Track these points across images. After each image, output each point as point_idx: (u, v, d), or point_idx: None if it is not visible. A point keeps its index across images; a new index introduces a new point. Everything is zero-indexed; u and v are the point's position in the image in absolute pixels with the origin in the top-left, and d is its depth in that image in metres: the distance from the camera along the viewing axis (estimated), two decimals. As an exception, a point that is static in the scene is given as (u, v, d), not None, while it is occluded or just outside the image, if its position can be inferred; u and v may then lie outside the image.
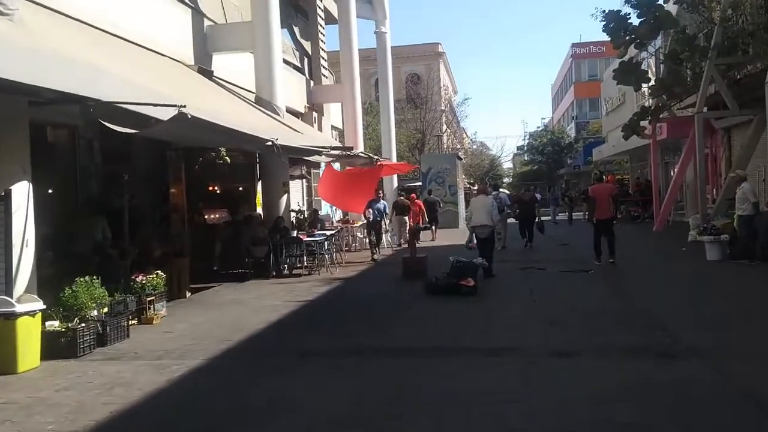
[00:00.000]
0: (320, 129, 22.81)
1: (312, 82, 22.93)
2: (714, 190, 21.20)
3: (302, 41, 23.33)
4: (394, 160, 28.74)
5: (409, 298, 9.93)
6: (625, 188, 30.52)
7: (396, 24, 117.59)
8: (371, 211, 16.09)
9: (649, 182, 29.82)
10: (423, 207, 21.08)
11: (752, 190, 12.01)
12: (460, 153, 41.15)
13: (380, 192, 17.41)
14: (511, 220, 17.72)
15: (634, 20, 18.48)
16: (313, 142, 13.22)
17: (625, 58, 20.14)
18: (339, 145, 13.40)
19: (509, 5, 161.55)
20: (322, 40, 24.02)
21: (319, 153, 12.62)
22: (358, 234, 19.50)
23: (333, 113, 24.29)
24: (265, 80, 14.87)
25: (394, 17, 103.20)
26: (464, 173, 47.09)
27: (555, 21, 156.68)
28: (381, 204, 16.78)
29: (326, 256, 13.76)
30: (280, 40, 15.33)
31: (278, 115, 14.69)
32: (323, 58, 24.00)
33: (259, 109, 14.42)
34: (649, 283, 10.83)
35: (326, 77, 24.37)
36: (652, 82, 20.43)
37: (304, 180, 19.26)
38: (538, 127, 64.57)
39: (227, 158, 9.91)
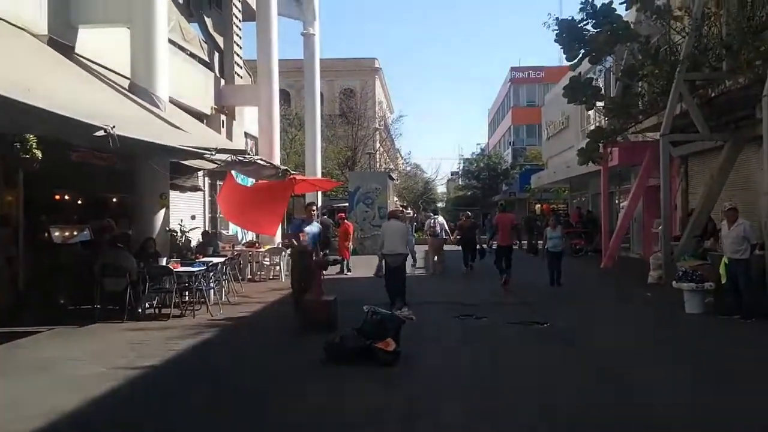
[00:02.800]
0: (229, 135, 19.59)
1: (223, 81, 19.74)
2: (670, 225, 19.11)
3: (215, 35, 20.11)
4: (319, 176, 25.70)
5: (302, 368, 6.84)
6: (562, 218, 28.31)
7: (331, 37, 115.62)
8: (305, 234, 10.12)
9: (590, 213, 27.95)
10: (350, 231, 18.18)
11: (753, 229, 9.53)
12: (393, 173, 38.51)
13: (314, 210, 11.17)
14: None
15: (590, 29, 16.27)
16: (199, 143, 10.02)
17: (577, 73, 17.93)
18: (236, 148, 10.28)
19: (450, 26, 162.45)
20: (237, 34, 20.90)
21: (201, 156, 9.46)
22: (265, 261, 16.28)
23: (248, 119, 21.11)
24: (141, 62, 11.63)
25: (329, 30, 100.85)
26: (396, 195, 44.56)
27: (496, 42, 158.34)
28: (314, 227, 10.83)
29: (207, 291, 10.52)
30: (165, 13, 12.13)
31: (158, 107, 11.48)
32: (238, 54, 20.86)
33: (131, 98, 11.17)
34: (630, 352, 7.99)
35: (241, 77, 21.19)
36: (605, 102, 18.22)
37: (198, 192, 15.88)
38: (473, 153, 62.93)
39: (36, 151, 6.73)
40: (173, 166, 12.27)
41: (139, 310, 10.09)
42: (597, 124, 21.23)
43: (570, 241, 24.70)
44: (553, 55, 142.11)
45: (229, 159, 9.88)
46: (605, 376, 6.56)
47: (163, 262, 10.05)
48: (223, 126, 19.13)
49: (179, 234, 12.11)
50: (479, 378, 6.47)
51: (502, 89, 60.33)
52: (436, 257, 17.67)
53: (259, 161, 11.12)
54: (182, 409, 5.50)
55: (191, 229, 12.62)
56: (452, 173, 74.61)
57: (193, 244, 13.73)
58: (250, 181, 17.18)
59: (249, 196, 15.64)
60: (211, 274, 10.57)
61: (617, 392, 5.98)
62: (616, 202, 25.01)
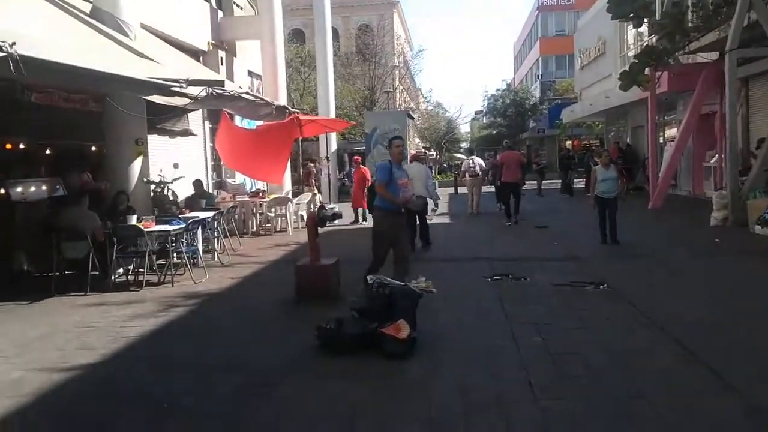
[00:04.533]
0: (230, 73, 17.62)
1: (221, 14, 17.66)
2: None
3: (209, -41, 17.88)
4: (333, 117, 23.66)
5: (286, 364, 5.09)
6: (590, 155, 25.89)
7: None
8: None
9: (630, 147, 25.62)
10: (367, 177, 16.17)
11: None
12: (413, 113, 36.17)
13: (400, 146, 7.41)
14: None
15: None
16: (170, 74, 8.12)
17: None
18: (212, 79, 8.33)
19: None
20: (235, -41, 18.65)
21: (171, 90, 7.58)
22: (270, 212, 14.54)
23: (251, 55, 19.07)
24: (104, -19, 9.67)
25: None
26: (418, 135, 42.31)
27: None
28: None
29: (188, 253, 8.80)
30: None
31: (125, 35, 9.57)
32: (237, -19, 18.66)
33: (92, 25, 9.27)
34: (725, 320, 6.16)
35: (241, 8, 19.05)
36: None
37: (190, 137, 14.03)
38: (498, 90, 59.75)
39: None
40: (159, 109, 10.48)
41: (112, 278, 8.48)
42: (642, 45, 18.76)
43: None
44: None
45: (207, 93, 7.98)
46: (694, 354, 4.73)
47: (133, 220, 8.31)
48: (222, 63, 17.13)
49: (158, 185, 10.32)
50: (530, 376, 4.66)
51: (529, 19, 56.73)
52: (476, 198, 17.47)
53: (245, 96, 9.19)
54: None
55: (175, 179, 10.83)
56: (476, 112, 71.57)
57: (181, 196, 11.97)
58: (255, 124, 15.35)
59: (248, 140, 13.79)
60: (193, 232, 8.81)
61: (726, 389, 4.16)
62: (658, 135, 22.60)
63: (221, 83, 8.05)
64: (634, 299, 6.84)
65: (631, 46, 23.34)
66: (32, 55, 5.20)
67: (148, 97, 7.87)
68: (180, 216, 9.61)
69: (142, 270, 8.36)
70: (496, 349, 5.29)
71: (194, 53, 15.88)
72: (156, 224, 8.63)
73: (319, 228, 7.24)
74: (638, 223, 13.08)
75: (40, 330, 6.26)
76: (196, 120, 15.69)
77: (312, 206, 14.71)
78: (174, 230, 8.33)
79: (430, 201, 10.56)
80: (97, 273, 8.18)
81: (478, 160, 18.09)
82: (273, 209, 14.46)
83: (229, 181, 17.33)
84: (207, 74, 10.70)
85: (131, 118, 9.60)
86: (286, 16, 23.74)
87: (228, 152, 14.03)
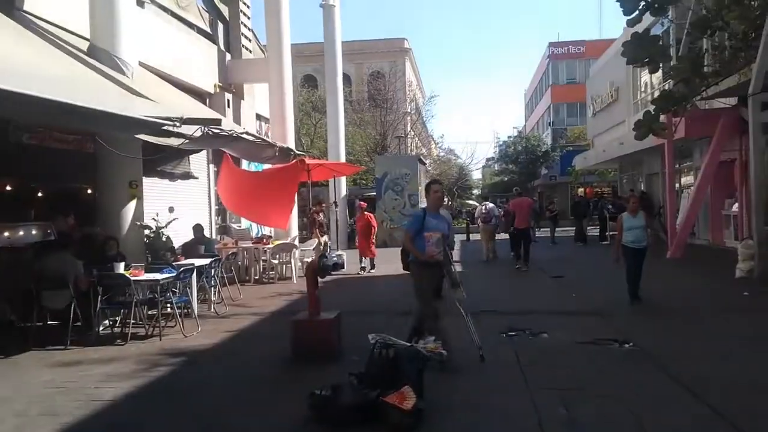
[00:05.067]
0: (237, 115, 17.35)
1: (229, 57, 17.49)
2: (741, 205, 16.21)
3: (219, 4, 17.81)
4: (343, 161, 23.31)
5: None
6: (611, 201, 25.27)
7: (358, 19, 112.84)
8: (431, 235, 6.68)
9: (645, 194, 25.01)
10: (373, 223, 15.61)
11: None
12: (425, 158, 35.84)
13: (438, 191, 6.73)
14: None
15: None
16: (164, 112, 7.68)
17: (635, 30, 15.10)
18: (209, 117, 7.81)
19: (483, 5, 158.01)
20: (245, 3, 18.58)
21: (159, 128, 7.11)
22: (273, 259, 13.97)
23: (259, 98, 18.84)
24: (102, 19, 9.37)
25: (355, 11, 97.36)
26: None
27: (531, 20, 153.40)
28: (442, 220, 7.62)
29: (178, 305, 8.19)
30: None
31: (122, 73, 9.21)
32: (245, 26, 18.54)
33: (88, 63, 8.91)
34: (763, 381, 5.48)
35: (250, 51, 18.89)
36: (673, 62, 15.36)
37: (190, 180, 13.56)
38: (510, 136, 59.58)
39: None
40: (158, 150, 10.05)
41: (97, 331, 7.89)
42: (658, 90, 18.32)
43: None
44: (593, 28, 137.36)
45: (203, 132, 7.51)
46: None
47: (121, 267, 7.75)
48: (228, 106, 16.87)
49: (153, 231, 9.79)
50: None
51: (540, 67, 56.92)
52: (490, 244, 17.47)
53: (245, 136, 8.72)
54: None
55: (169, 223, 10.29)
56: (487, 159, 71.38)
57: (181, 242, 11.43)
58: (263, 168, 14.96)
59: (251, 183, 13.36)
60: (186, 281, 8.22)
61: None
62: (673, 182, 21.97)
63: (218, 122, 7.58)
64: (663, 360, 6.15)
65: (646, 92, 22.96)
66: (6, 88, 4.74)
67: (141, 137, 7.39)
68: (175, 263, 9.04)
69: (130, 321, 7.74)
70: (514, 422, 4.60)
71: (200, 95, 15.64)
72: (146, 272, 8.07)
73: (320, 279, 6.63)
74: (659, 275, 12.35)
75: (3, 391, 5.63)
76: (200, 162, 15.31)
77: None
78: (164, 279, 7.75)
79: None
80: (80, 324, 7.59)
81: (491, 206, 18.07)
82: (277, 256, 13.88)
83: (234, 226, 16.85)
84: (205, 113, 10.30)
85: (125, 160, 9.12)
86: (298, 62, 23.67)
87: (230, 196, 13.58)
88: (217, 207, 16.59)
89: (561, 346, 6.88)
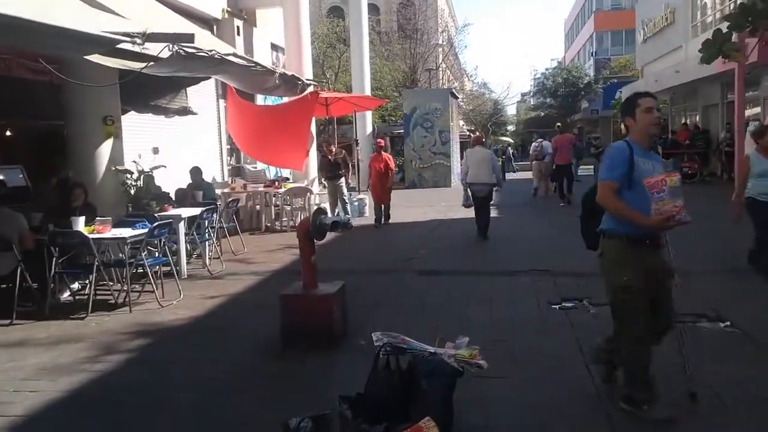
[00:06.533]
0: (248, 45, 15.54)
1: (238, -23, 15.58)
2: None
3: None
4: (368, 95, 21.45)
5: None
6: (666, 137, 22.89)
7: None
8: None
9: (698, 128, 22.69)
10: (391, 166, 13.34)
11: None
12: (457, 92, 33.59)
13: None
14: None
15: None
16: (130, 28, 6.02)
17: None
18: (180, 33, 6.13)
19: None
20: None
21: (114, 45, 5.51)
22: (286, 205, 12.47)
23: (273, 26, 16.97)
24: None
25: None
26: (462, 117, 39.68)
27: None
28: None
29: (152, 266, 6.71)
30: None
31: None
32: (257, -58, 16.49)
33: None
34: None
35: (262, -28, 16.90)
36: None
37: (187, 116, 11.85)
38: (548, 69, 56.16)
39: None
40: (159, 82, 8.49)
41: (59, 299, 6.53)
42: (723, 11, 15.94)
43: (680, 164, 19.76)
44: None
45: (173, 52, 5.86)
46: None
47: (79, 222, 6.27)
48: (238, 33, 15.07)
49: (134, 176, 8.25)
50: None
51: (582, -8, 53.18)
52: (543, 182, 17.58)
53: (230, 59, 7.01)
54: None
55: (154, 168, 8.73)
56: (523, 94, 68.21)
57: (179, 186, 9.92)
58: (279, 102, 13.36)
59: (261, 120, 11.78)
60: (163, 237, 6.72)
61: None
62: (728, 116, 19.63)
63: (190, 38, 5.90)
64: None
65: (712, 10, 20.36)
66: None
67: (93, 58, 5.77)
68: (158, 215, 7.56)
69: (91, 289, 6.28)
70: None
71: (206, 22, 13.91)
72: (116, 227, 6.61)
73: (317, 241, 5.03)
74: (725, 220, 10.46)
75: None
76: (207, 95, 13.71)
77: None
78: (131, 237, 6.28)
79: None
80: (35, 292, 6.21)
81: (545, 143, 17.76)
82: (290, 201, 12.37)
83: (248, 167, 15.30)
84: (203, 42, 8.59)
85: (98, 91, 7.55)
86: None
87: (239, 134, 12.08)
88: (228, 147, 15.05)
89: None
